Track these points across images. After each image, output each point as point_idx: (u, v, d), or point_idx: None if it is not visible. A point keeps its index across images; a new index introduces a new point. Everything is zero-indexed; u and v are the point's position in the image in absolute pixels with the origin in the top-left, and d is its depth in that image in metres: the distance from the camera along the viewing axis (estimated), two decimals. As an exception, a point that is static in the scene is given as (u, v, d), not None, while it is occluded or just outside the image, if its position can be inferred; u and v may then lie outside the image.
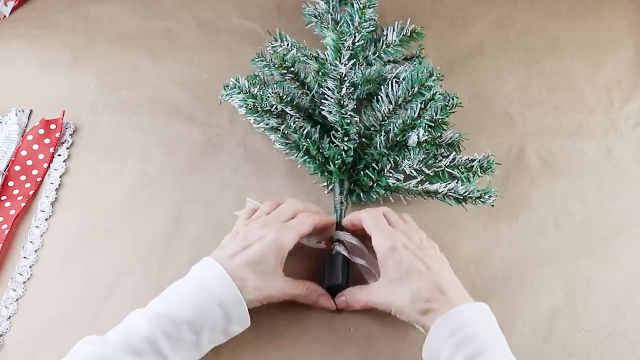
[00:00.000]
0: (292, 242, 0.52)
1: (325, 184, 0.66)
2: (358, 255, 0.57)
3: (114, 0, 0.87)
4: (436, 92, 0.61)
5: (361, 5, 0.67)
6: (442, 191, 0.61)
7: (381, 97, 0.63)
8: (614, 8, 0.89)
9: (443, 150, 0.65)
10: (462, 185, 0.61)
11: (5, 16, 0.85)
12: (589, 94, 0.78)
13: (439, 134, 0.65)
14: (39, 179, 0.67)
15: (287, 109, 0.64)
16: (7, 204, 0.64)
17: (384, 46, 0.71)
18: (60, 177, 0.67)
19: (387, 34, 0.71)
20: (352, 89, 0.64)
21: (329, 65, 0.63)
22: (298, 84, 0.66)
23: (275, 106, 0.63)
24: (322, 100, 0.63)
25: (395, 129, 0.62)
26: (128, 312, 0.48)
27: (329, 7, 0.76)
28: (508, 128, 0.74)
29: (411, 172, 0.64)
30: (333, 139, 0.64)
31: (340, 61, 0.62)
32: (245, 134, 0.71)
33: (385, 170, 0.63)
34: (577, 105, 0.77)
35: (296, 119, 0.65)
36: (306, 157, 0.64)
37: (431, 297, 0.48)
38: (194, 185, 0.67)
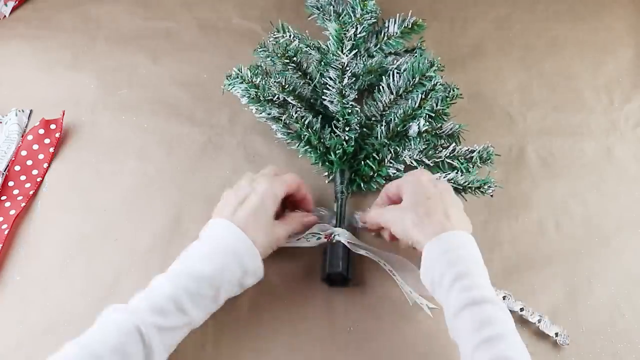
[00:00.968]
0: (283, 192, 0.54)
1: (326, 173, 0.66)
2: (358, 245, 0.58)
3: (114, 0, 0.87)
4: (437, 83, 0.61)
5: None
6: None
7: (382, 87, 0.64)
8: (614, 8, 0.89)
9: (443, 141, 0.66)
10: (461, 176, 0.61)
11: (5, 16, 0.85)
12: (589, 94, 0.78)
13: (439, 124, 0.65)
14: (39, 179, 0.67)
15: (289, 99, 0.64)
16: (7, 204, 0.64)
17: (385, 38, 0.72)
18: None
19: (388, 26, 0.72)
20: (354, 79, 0.65)
21: (331, 55, 0.64)
22: (300, 73, 0.66)
23: (277, 96, 0.64)
24: (324, 90, 0.64)
25: (396, 119, 0.63)
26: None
27: (331, -2, 0.77)
28: (508, 128, 0.74)
29: (411, 163, 0.64)
30: (334, 129, 0.64)
31: (342, 51, 0.62)
32: (245, 134, 0.72)
33: (386, 160, 0.63)
34: (577, 105, 0.77)
35: (298, 109, 0.65)
36: (307, 146, 0.65)
37: (436, 220, 0.50)
38: (194, 185, 0.67)
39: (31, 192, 0.66)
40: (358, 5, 0.67)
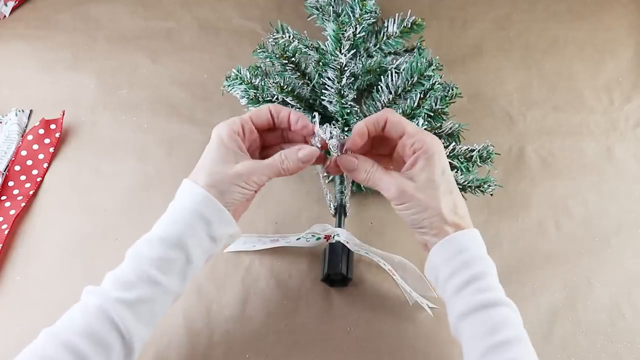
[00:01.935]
0: (231, 129, 0.48)
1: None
2: (358, 245, 0.58)
3: (114, 0, 0.87)
4: (435, 82, 0.61)
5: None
6: None
7: (381, 87, 0.64)
8: (614, 8, 0.89)
9: (443, 140, 0.65)
10: (461, 175, 0.61)
11: (5, 16, 0.85)
12: (589, 94, 0.78)
13: (438, 124, 0.65)
14: (39, 179, 0.67)
15: (288, 99, 0.64)
16: (7, 204, 0.64)
17: (385, 38, 0.71)
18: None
19: (387, 26, 0.72)
20: (353, 79, 0.65)
21: (329, 55, 0.64)
22: (299, 74, 0.66)
23: (276, 96, 0.64)
24: (323, 91, 0.64)
25: None
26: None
27: (331, -2, 0.77)
28: (508, 128, 0.74)
29: None
30: None
31: (340, 51, 0.62)
32: (245, 134, 0.71)
33: (386, 160, 0.63)
34: (577, 105, 0.77)
35: (297, 109, 0.65)
36: None
37: (455, 220, 0.46)
38: (194, 185, 0.67)
39: (31, 192, 0.66)
40: (357, 5, 0.67)
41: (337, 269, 0.56)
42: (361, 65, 0.67)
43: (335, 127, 0.53)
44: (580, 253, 0.63)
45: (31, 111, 0.73)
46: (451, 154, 0.63)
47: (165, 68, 0.79)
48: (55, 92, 0.76)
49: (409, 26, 0.71)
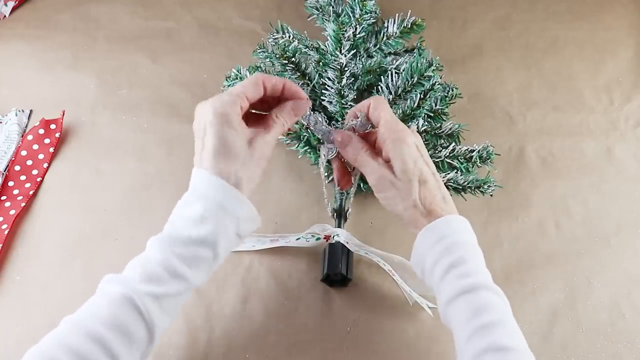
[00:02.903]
0: (232, 102, 0.45)
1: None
2: (357, 245, 0.58)
3: (114, 0, 0.87)
4: (435, 82, 0.61)
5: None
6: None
7: (381, 87, 0.64)
8: (614, 8, 0.89)
9: (443, 140, 0.65)
10: (461, 176, 0.61)
11: (5, 16, 0.85)
12: (589, 94, 0.78)
13: (438, 124, 0.65)
14: (39, 179, 0.67)
15: None
16: (7, 204, 0.64)
17: (385, 38, 0.71)
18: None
19: (387, 26, 0.72)
20: (353, 79, 0.65)
21: (329, 55, 0.64)
22: (299, 74, 0.66)
23: None
24: (323, 91, 0.64)
25: None
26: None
27: (331, -1, 0.77)
28: (508, 128, 0.74)
29: None
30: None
31: (340, 51, 0.62)
32: (245, 134, 0.71)
33: (386, 161, 0.63)
34: (577, 105, 0.77)
35: None
36: (307, 147, 0.65)
37: (432, 208, 0.47)
38: (194, 185, 0.67)
39: (31, 192, 0.66)
40: (357, 5, 0.67)
41: (336, 269, 0.56)
42: (361, 66, 0.67)
43: (321, 114, 0.54)
44: (580, 253, 0.63)
45: (31, 111, 0.73)
46: (451, 155, 0.63)
47: (165, 68, 0.79)
48: (55, 92, 0.76)
49: (409, 26, 0.71)
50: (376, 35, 0.73)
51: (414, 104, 0.61)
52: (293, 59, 0.64)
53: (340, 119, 0.64)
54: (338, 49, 0.62)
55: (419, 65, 0.61)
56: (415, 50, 0.74)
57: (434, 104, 0.64)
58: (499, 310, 0.43)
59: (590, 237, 0.64)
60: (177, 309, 0.45)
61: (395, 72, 0.64)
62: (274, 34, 0.70)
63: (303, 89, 0.65)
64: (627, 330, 0.57)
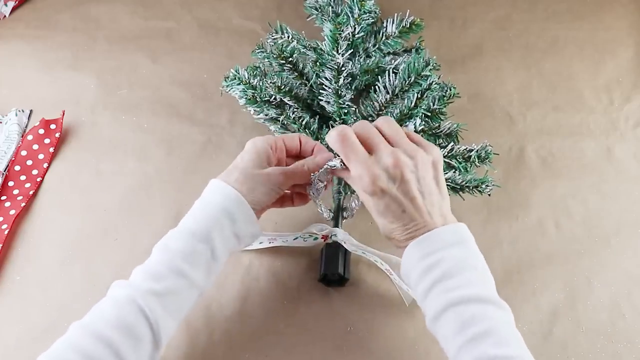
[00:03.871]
0: (266, 142, 0.53)
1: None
2: (355, 245, 0.58)
3: (114, 0, 0.87)
4: (433, 82, 0.61)
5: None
6: None
7: (379, 87, 0.63)
8: (614, 8, 0.89)
9: (441, 140, 0.65)
10: (459, 175, 0.61)
11: (5, 16, 0.85)
12: (589, 94, 0.78)
13: (436, 124, 0.65)
14: (39, 179, 0.67)
15: (286, 99, 0.64)
16: (7, 204, 0.64)
17: (384, 38, 0.71)
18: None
19: (386, 26, 0.72)
20: (350, 79, 0.65)
21: (326, 55, 0.64)
22: (297, 74, 0.66)
23: (274, 96, 0.64)
24: (320, 91, 0.64)
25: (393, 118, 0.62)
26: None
27: (330, -1, 0.77)
28: (508, 128, 0.74)
29: None
30: (331, 129, 0.64)
31: (337, 51, 0.62)
32: (245, 134, 0.72)
33: (383, 160, 0.63)
34: (577, 105, 0.77)
35: (295, 109, 0.65)
36: None
37: (417, 227, 0.46)
38: (193, 185, 0.66)
39: (31, 192, 0.66)
40: (356, 5, 0.67)
41: (334, 269, 0.56)
42: (359, 66, 0.67)
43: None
44: (580, 253, 0.63)
45: (31, 111, 0.74)
46: (449, 154, 0.62)
47: (165, 68, 0.79)
48: (55, 92, 0.76)
49: (408, 26, 0.71)
50: (375, 35, 0.73)
51: (411, 103, 0.61)
52: (291, 59, 0.64)
53: (337, 119, 0.64)
54: (335, 48, 0.62)
55: (416, 64, 0.61)
56: (414, 50, 0.74)
57: (431, 104, 0.64)
58: (487, 320, 0.42)
59: (590, 237, 0.64)
60: (181, 312, 0.46)
61: (393, 72, 0.64)
62: (273, 34, 0.70)
63: (300, 88, 0.65)
64: (627, 330, 0.57)
